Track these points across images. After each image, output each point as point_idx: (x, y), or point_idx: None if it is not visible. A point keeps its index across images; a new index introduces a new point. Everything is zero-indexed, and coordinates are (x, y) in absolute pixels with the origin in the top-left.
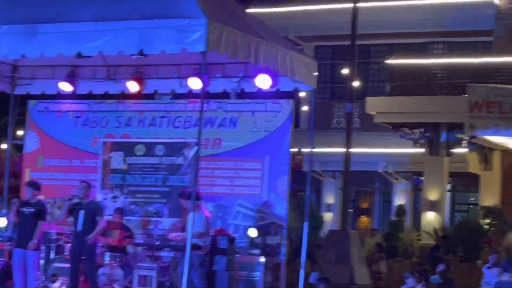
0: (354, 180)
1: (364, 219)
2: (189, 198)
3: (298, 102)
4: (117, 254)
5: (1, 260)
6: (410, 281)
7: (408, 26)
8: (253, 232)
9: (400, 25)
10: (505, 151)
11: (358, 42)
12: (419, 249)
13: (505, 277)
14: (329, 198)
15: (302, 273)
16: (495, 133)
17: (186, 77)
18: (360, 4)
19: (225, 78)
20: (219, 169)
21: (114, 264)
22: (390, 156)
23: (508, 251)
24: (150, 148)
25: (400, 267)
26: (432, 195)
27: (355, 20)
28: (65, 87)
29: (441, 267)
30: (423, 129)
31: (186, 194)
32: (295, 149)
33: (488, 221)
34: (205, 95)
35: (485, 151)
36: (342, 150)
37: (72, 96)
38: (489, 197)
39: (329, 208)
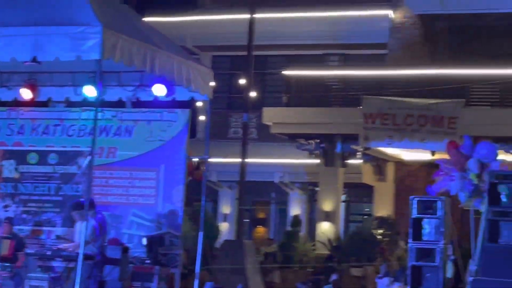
0: (250, 190)
1: (260, 229)
2: (76, 208)
3: (195, 112)
4: (7, 264)
5: None
6: None
7: (305, 38)
8: (146, 242)
9: (296, 36)
10: (398, 163)
11: (255, 53)
12: (313, 259)
13: (395, 287)
14: (226, 208)
15: (196, 283)
16: (389, 145)
17: (81, 85)
18: (257, 15)
19: (120, 86)
20: (113, 178)
21: (4, 275)
22: (286, 167)
23: (400, 260)
24: (43, 157)
25: (294, 277)
26: (327, 205)
27: (252, 30)
28: None
29: (334, 276)
30: (318, 140)
31: (73, 205)
32: (198, 159)
33: (381, 231)
34: (100, 103)
35: (379, 163)
36: (239, 160)
37: None
38: (383, 207)
39: (225, 218)
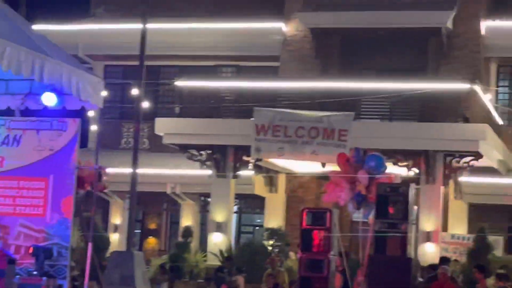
0: (142, 201)
1: (151, 240)
2: None
3: (86, 121)
4: None
5: None
6: None
7: (198, 49)
8: (34, 253)
9: (190, 47)
10: (289, 174)
11: (148, 63)
12: (204, 270)
13: None
14: (116, 219)
15: None
16: (280, 156)
17: None
18: (150, 25)
19: (9, 94)
20: (0, 188)
21: None
22: (178, 177)
23: (290, 271)
24: None
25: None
26: (219, 216)
27: (144, 40)
28: None
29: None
30: (210, 151)
31: None
32: (100, 170)
33: (272, 242)
34: None
35: (270, 174)
36: (130, 170)
37: None
38: (274, 218)
39: (116, 228)
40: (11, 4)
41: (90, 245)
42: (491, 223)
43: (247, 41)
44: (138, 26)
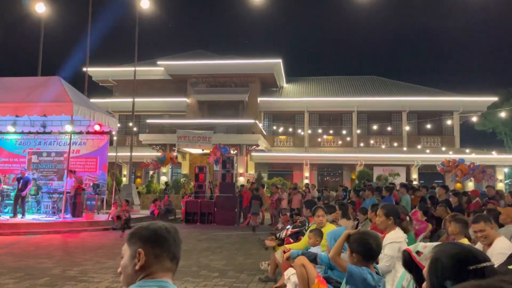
0: (133, 164)
1: (138, 180)
2: None
3: (111, 135)
4: None
5: None
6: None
7: (154, 110)
8: (93, 186)
9: (151, 109)
10: (190, 154)
11: (136, 113)
12: (157, 192)
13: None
14: (125, 171)
15: None
16: (186, 147)
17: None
18: (137, 99)
19: (80, 126)
20: (80, 162)
21: None
22: (147, 157)
23: (191, 191)
24: None
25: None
26: (164, 169)
27: (133, 105)
28: None
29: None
30: (161, 146)
31: None
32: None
33: (184, 179)
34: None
35: (184, 153)
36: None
37: None
38: (185, 170)
39: (125, 175)
40: (80, 89)
41: (114, 182)
42: (262, 169)
43: (173, 106)
44: (130, 99)
